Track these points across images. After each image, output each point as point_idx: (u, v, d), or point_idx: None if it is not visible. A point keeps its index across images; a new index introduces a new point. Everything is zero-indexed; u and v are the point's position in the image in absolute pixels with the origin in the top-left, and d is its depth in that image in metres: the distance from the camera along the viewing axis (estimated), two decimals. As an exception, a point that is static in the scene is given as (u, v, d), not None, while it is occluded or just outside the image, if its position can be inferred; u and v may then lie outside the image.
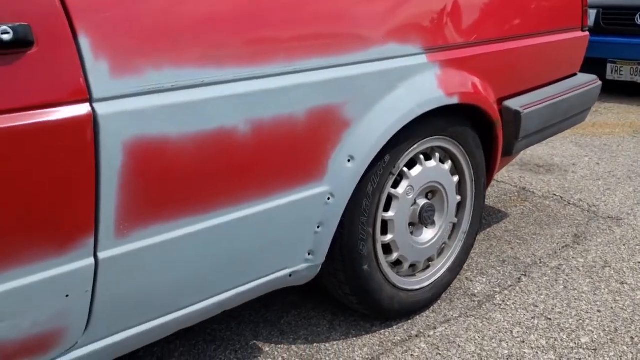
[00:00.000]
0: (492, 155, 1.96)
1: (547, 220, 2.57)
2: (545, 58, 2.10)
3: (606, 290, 2.00)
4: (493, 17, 1.83)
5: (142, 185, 1.12)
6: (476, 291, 1.99)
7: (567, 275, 2.09)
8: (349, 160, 1.46)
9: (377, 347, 1.70)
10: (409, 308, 1.81)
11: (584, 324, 1.81)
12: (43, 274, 1.05)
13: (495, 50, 1.83)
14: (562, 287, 2.02)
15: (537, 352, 1.68)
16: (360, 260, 1.62)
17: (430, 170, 1.74)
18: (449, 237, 1.92)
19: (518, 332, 1.77)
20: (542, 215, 2.62)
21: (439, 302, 1.92)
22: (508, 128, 1.93)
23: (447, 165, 1.81)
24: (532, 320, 1.83)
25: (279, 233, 1.41)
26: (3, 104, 0.94)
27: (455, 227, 1.93)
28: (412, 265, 1.82)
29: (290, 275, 1.51)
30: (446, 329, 1.79)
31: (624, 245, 2.33)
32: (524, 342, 1.72)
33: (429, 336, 1.75)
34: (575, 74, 2.39)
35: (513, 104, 1.93)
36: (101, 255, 1.11)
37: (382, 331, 1.78)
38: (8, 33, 0.93)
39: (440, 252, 1.91)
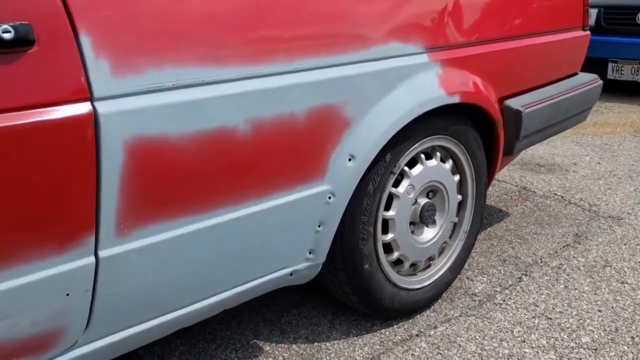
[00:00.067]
0: (493, 155, 1.96)
1: (547, 220, 2.56)
2: (546, 57, 2.09)
3: (607, 289, 2.00)
4: (494, 17, 1.83)
5: (142, 184, 1.12)
6: (477, 290, 1.99)
7: (567, 275, 2.09)
8: (349, 160, 1.46)
9: (378, 347, 1.70)
10: (410, 307, 1.81)
11: (584, 323, 1.81)
12: (43, 273, 1.05)
13: (496, 50, 1.83)
14: (562, 286, 2.02)
15: (537, 352, 1.68)
16: (361, 259, 1.62)
17: (431, 170, 1.73)
18: (450, 237, 1.92)
19: (519, 331, 1.77)
20: (543, 215, 2.62)
21: (439, 301, 1.92)
22: (509, 127, 1.93)
23: (448, 164, 1.81)
24: (533, 319, 1.83)
25: (279, 232, 1.41)
26: (4, 103, 0.94)
27: (456, 227, 1.93)
28: (413, 265, 1.82)
29: (290, 274, 1.51)
30: (447, 328, 1.78)
31: (624, 244, 2.33)
32: (524, 341, 1.72)
33: (429, 335, 1.75)
34: (576, 74, 2.39)
35: (514, 103, 1.93)
36: (102, 254, 1.11)
37: (383, 330, 1.78)
38: (9, 32, 0.93)
39: (441, 252, 1.91)
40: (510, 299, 1.94)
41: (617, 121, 4.37)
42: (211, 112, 1.18)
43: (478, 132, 1.85)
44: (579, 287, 2.01)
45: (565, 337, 1.74)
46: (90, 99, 1.03)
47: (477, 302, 1.92)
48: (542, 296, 1.95)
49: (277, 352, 1.68)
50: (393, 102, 1.52)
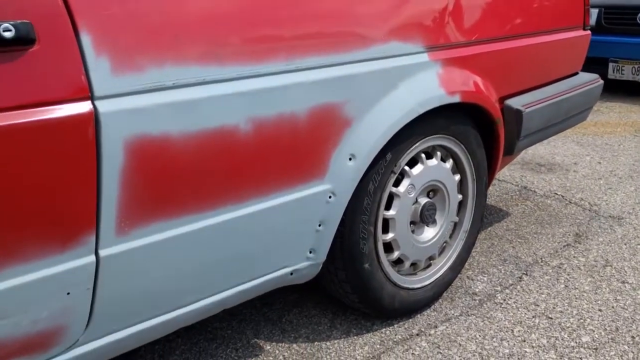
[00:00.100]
0: (494, 154, 1.96)
1: (548, 219, 2.56)
2: (547, 57, 2.09)
3: (607, 289, 2.00)
4: (495, 16, 1.83)
5: (143, 183, 1.12)
6: (477, 290, 1.99)
7: (568, 275, 2.09)
8: (350, 159, 1.46)
9: (378, 346, 1.70)
10: (410, 307, 1.81)
11: (585, 323, 1.81)
12: (44, 272, 1.05)
13: (497, 49, 1.83)
14: (563, 286, 2.02)
15: (538, 351, 1.68)
16: (361, 258, 1.62)
17: (431, 169, 1.73)
18: (450, 236, 1.92)
19: (519, 331, 1.77)
20: (544, 214, 2.62)
21: (440, 300, 1.92)
22: (509, 127, 1.92)
23: (449, 164, 1.81)
24: (533, 319, 1.83)
25: (280, 231, 1.41)
26: (4, 102, 0.94)
27: (456, 226, 1.93)
28: (413, 264, 1.82)
29: (291, 274, 1.51)
30: (447, 327, 1.78)
31: (625, 244, 2.33)
32: (524, 341, 1.72)
33: (429, 335, 1.75)
34: (577, 73, 2.39)
35: (515, 102, 1.93)
36: (102, 252, 1.11)
37: (383, 330, 1.78)
38: (10, 30, 0.93)
39: (442, 251, 1.91)
40: (510, 298, 1.94)
41: (617, 121, 4.37)
42: (212, 111, 1.18)
43: (478, 131, 1.85)
44: (579, 286, 2.01)
45: (565, 336, 1.74)
46: (91, 97, 1.03)
47: (477, 301, 1.92)
48: (543, 296, 1.95)
49: (277, 351, 1.68)
50: (393, 101, 1.52)
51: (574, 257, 2.22)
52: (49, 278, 1.05)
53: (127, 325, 1.24)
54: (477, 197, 1.93)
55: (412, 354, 1.67)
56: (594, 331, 1.77)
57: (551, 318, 1.83)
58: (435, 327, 1.79)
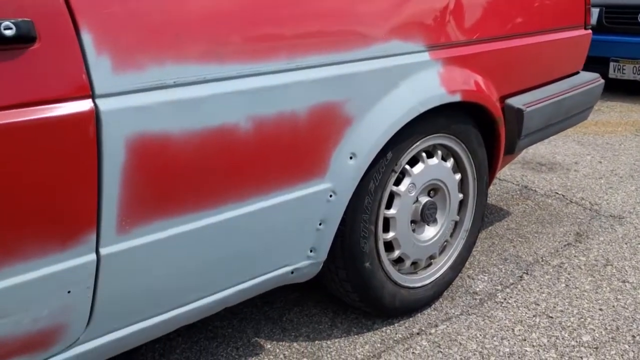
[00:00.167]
0: (495, 153, 1.95)
1: (549, 219, 2.56)
2: (548, 56, 2.09)
3: (608, 288, 2.00)
4: (496, 15, 1.83)
5: (144, 181, 1.12)
6: (478, 289, 1.99)
7: (568, 274, 2.09)
8: (350, 158, 1.46)
9: (379, 345, 1.70)
10: (411, 306, 1.81)
11: (585, 322, 1.81)
12: (45, 270, 1.05)
13: (498, 48, 1.83)
14: (563, 285, 2.02)
15: (538, 351, 1.68)
16: (361, 257, 1.62)
17: (432, 168, 1.73)
18: (451, 235, 1.91)
19: (519, 330, 1.77)
20: (544, 214, 2.62)
21: (440, 299, 1.92)
22: (510, 126, 1.92)
23: (450, 163, 1.81)
24: (534, 318, 1.83)
25: (280, 230, 1.41)
26: (5, 100, 0.94)
27: (457, 225, 1.93)
28: (414, 263, 1.82)
29: (292, 273, 1.51)
30: (447, 326, 1.78)
31: (625, 243, 2.33)
32: (525, 340, 1.72)
33: (430, 334, 1.75)
34: (577, 72, 2.39)
35: (515, 102, 1.93)
36: (103, 251, 1.11)
37: (384, 329, 1.78)
38: (10, 29, 0.93)
39: (442, 250, 1.91)
40: (511, 297, 1.94)
41: (618, 120, 4.36)
42: (212, 109, 1.18)
43: (479, 130, 1.85)
44: (580, 285, 2.01)
45: (566, 335, 1.74)
46: (92, 96, 1.03)
47: (478, 300, 1.92)
48: (543, 295, 1.95)
49: (278, 350, 1.68)
50: (394, 100, 1.52)
51: (575, 256, 2.22)
52: (49, 276, 1.05)
53: (128, 323, 1.24)
54: (477, 196, 1.93)
55: (413, 352, 1.67)
56: (594, 330, 1.77)
57: (552, 317, 1.83)
58: (436, 326, 1.79)
